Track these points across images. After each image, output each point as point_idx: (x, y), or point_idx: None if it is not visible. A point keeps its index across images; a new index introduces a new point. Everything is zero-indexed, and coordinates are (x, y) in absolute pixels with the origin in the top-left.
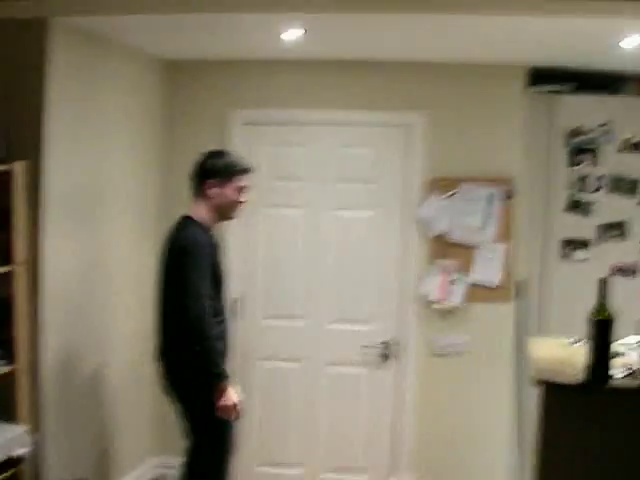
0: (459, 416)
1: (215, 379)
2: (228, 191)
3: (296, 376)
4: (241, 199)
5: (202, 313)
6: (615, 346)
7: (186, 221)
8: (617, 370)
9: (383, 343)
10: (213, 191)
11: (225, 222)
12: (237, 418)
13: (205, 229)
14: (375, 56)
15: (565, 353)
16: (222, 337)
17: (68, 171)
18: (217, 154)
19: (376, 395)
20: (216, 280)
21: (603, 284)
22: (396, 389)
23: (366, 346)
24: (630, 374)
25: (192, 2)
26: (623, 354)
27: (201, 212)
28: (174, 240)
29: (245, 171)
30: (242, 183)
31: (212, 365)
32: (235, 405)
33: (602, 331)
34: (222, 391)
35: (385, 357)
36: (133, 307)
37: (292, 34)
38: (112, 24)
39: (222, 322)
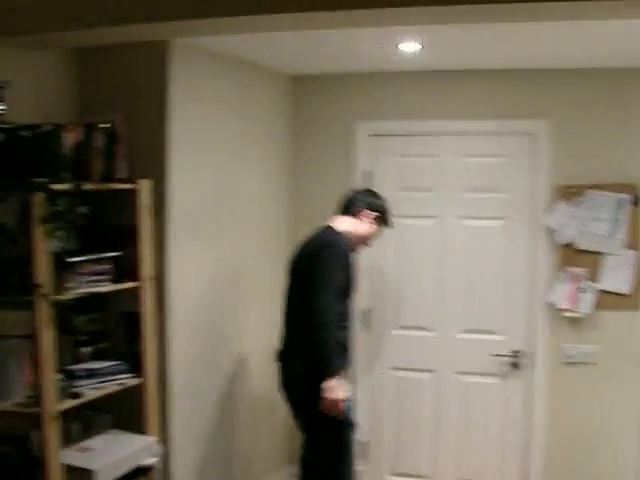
0: (590, 425)
1: (327, 370)
2: (371, 227)
3: (426, 386)
4: (369, 242)
5: (328, 303)
6: None
7: (330, 229)
8: None
9: (513, 352)
10: (366, 220)
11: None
12: (340, 416)
13: (347, 242)
14: (498, 64)
15: None
16: (343, 343)
17: (193, 188)
18: (383, 199)
19: (506, 404)
20: (346, 288)
21: None
22: (526, 398)
23: (496, 355)
24: None
25: (311, 19)
26: None
27: (344, 227)
28: (314, 240)
29: (389, 221)
30: (382, 230)
31: (325, 356)
32: (339, 401)
33: None
34: (331, 384)
35: (515, 366)
36: (261, 320)
37: (409, 46)
38: (234, 42)
39: (345, 328)
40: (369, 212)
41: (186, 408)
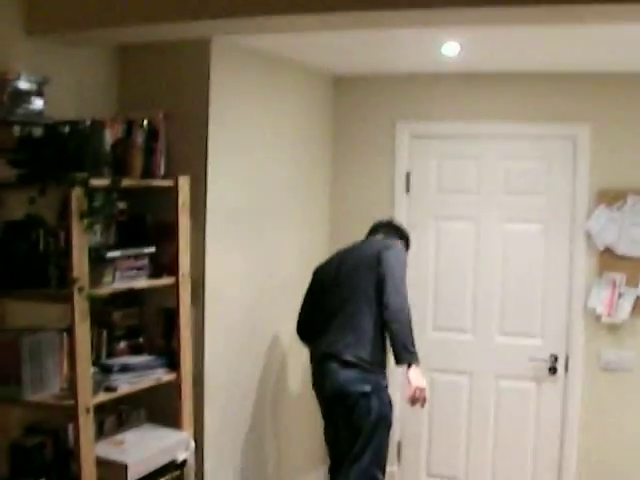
0: (625, 431)
1: (412, 357)
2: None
3: (463, 388)
4: None
5: (406, 294)
6: None
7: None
8: None
9: (551, 356)
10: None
11: None
12: (423, 404)
13: None
14: (538, 68)
15: None
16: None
17: (231, 187)
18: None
19: (544, 409)
20: None
21: None
22: (564, 403)
23: (534, 359)
24: None
25: (353, 19)
26: None
27: None
28: (368, 246)
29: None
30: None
31: (410, 343)
32: (425, 389)
33: None
34: (417, 372)
35: (553, 371)
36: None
37: (450, 48)
38: (276, 42)
39: None
40: (399, 240)
41: (220, 405)
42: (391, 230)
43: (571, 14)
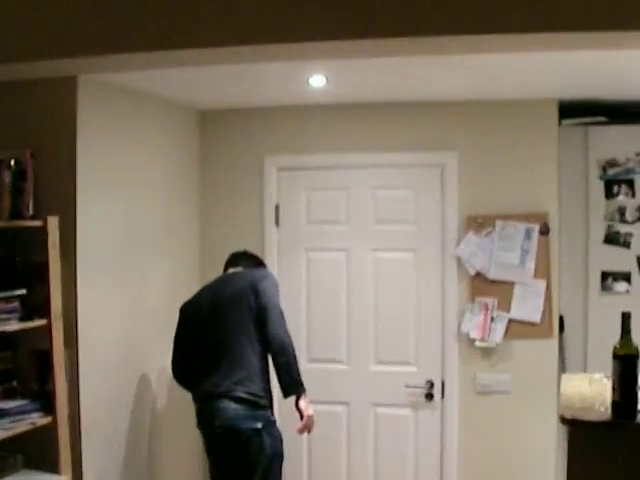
0: (504, 455)
1: (301, 388)
2: None
3: (341, 418)
4: None
5: (286, 330)
6: None
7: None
8: None
9: (427, 383)
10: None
11: None
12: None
13: None
14: (404, 97)
15: (592, 389)
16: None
17: (101, 224)
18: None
19: (422, 435)
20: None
21: (627, 318)
22: (442, 429)
23: (410, 386)
24: None
25: (216, 55)
26: None
27: None
28: (241, 278)
29: None
30: None
31: (297, 374)
32: (313, 416)
33: (627, 366)
34: (306, 401)
35: (430, 397)
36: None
37: (317, 80)
38: (142, 77)
39: None
40: None
41: (99, 446)
42: (251, 260)
43: (436, 45)
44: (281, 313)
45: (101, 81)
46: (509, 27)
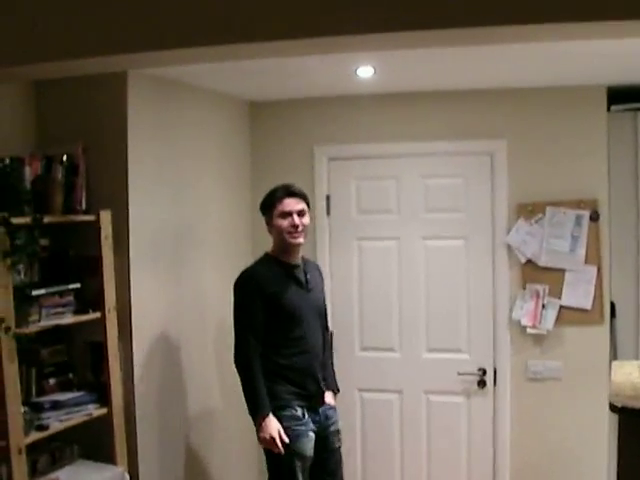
0: (556, 442)
1: (252, 412)
2: (276, 222)
3: (394, 406)
4: (291, 223)
5: (240, 347)
6: None
7: (261, 257)
8: None
9: (479, 370)
10: (269, 227)
11: (297, 249)
12: (279, 451)
13: (277, 262)
14: (452, 86)
15: None
16: (293, 368)
17: (153, 218)
18: (267, 193)
19: (475, 422)
20: (283, 311)
21: None
22: (494, 416)
23: (462, 374)
24: None
25: (265, 49)
26: None
27: (272, 247)
28: None
29: (281, 197)
30: (285, 208)
31: (249, 396)
32: (273, 438)
33: None
34: (260, 423)
35: (482, 384)
36: (225, 346)
37: (365, 71)
38: (191, 70)
39: (293, 355)
40: (265, 219)
41: (153, 437)
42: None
43: (484, 35)
44: (238, 327)
45: (150, 75)
46: (557, 17)
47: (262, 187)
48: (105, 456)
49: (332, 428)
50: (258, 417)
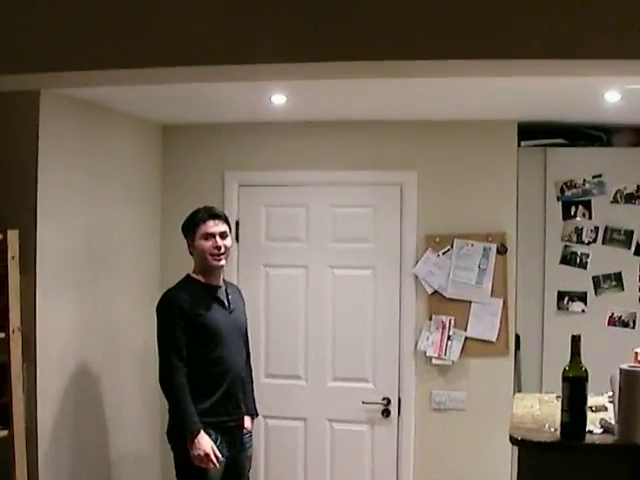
0: (459, 472)
1: (185, 429)
2: (198, 244)
3: (300, 434)
4: (213, 245)
5: (165, 368)
6: (597, 401)
7: (182, 279)
8: (594, 426)
9: (384, 399)
10: (190, 249)
11: (218, 271)
12: (213, 466)
13: (198, 283)
14: (364, 116)
15: (542, 410)
16: (213, 389)
17: (63, 237)
18: (190, 213)
19: (379, 451)
20: (205, 331)
21: (576, 341)
22: (398, 445)
23: (367, 402)
24: (606, 430)
25: (179, 74)
26: (606, 409)
27: (194, 268)
28: None
29: (205, 218)
30: (207, 230)
31: (179, 416)
32: (207, 454)
33: (576, 388)
34: (193, 440)
35: (386, 413)
36: (135, 370)
37: (278, 99)
38: (105, 93)
39: (213, 375)
40: (187, 241)
41: (56, 462)
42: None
43: (395, 69)
44: (161, 348)
45: (63, 95)
46: (470, 53)
47: (173, 211)
48: (5, 478)
49: (245, 453)
50: (190, 435)
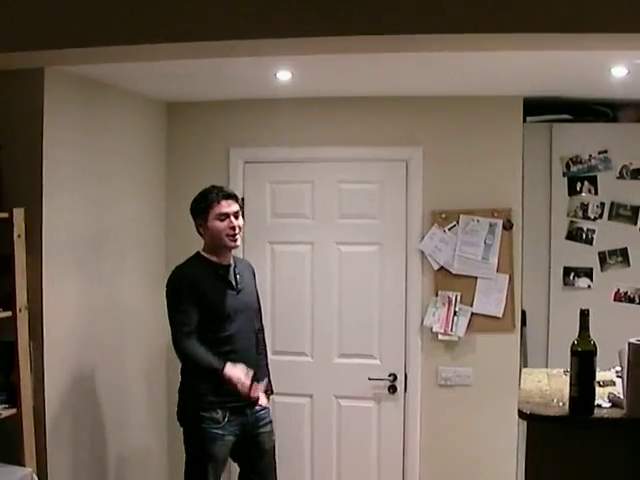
0: (466, 447)
1: (215, 371)
2: (212, 224)
3: (305, 410)
4: (229, 225)
5: (179, 346)
6: (604, 376)
7: (192, 256)
8: (602, 401)
9: (390, 376)
10: (201, 230)
11: (228, 251)
12: (248, 394)
13: (207, 262)
14: (369, 92)
15: (550, 385)
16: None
17: (69, 216)
18: (199, 193)
19: (385, 427)
20: (212, 311)
21: (585, 315)
22: (403, 421)
23: (373, 379)
24: (615, 404)
25: (183, 50)
26: (614, 383)
27: (204, 247)
28: None
29: (219, 199)
30: (222, 210)
31: (204, 371)
32: (242, 380)
33: (585, 362)
34: (226, 376)
35: (393, 389)
36: (141, 350)
37: (283, 75)
38: (109, 70)
39: (222, 354)
40: (198, 221)
41: (64, 439)
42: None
43: (403, 43)
44: (172, 321)
45: (68, 73)
46: (477, 27)
47: (178, 189)
48: (14, 457)
49: (263, 430)
50: (221, 371)
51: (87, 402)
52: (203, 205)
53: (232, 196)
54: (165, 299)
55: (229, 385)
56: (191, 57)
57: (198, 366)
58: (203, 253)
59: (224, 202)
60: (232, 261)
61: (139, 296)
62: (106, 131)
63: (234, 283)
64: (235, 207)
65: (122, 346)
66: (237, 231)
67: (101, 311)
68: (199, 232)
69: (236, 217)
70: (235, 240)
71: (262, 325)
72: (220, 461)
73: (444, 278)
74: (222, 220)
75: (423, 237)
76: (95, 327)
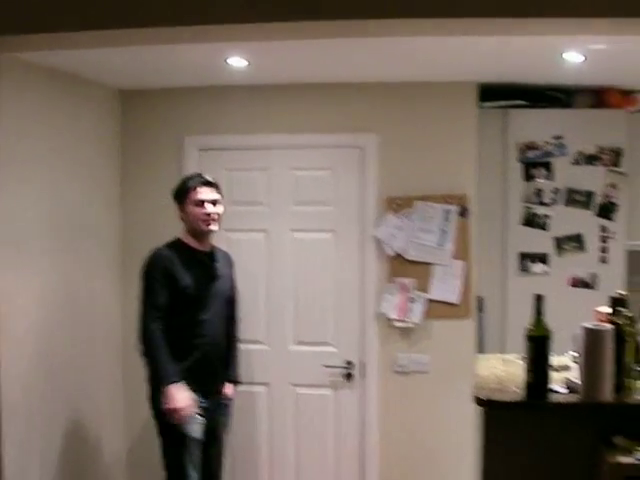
0: (423, 434)
1: (160, 381)
2: (190, 210)
3: (262, 398)
4: (204, 211)
5: (143, 325)
6: (560, 360)
7: (171, 240)
8: (557, 386)
9: (346, 363)
10: (181, 215)
11: (208, 236)
12: (183, 422)
13: (186, 247)
14: (324, 79)
15: (506, 370)
16: (192, 352)
17: (22, 205)
18: (181, 179)
19: (341, 415)
20: (186, 295)
21: (539, 300)
22: (360, 408)
23: (329, 366)
24: (571, 390)
25: (133, 36)
26: (569, 368)
27: (183, 233)
28: None
29: (195, 185)
30: (199, 197)
31: (153, 370)
32: (178, 409)
33: (539, 347)
34: (167, 394)
35: (349, 377)
36: (102, 340)
37: (237, 62)
38: (61, 57)
39: (193, 338)
40: (178, 206)
41: (18, 431)
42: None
43: (355, 28)
44: (141, 305)
45: (21, 60)
46: (428, 12)
47: (132, 177)
48: None
49: (221, 419)
50: (165, 386)
51: (43, 393)
52: (182, 191)
53: (211, 183)
54: (139, 280)
55: (165, 403)
56: (143, 44)
57: (152, 363)
58: (182, 238)
59: (201, 189)
60: (211, 249)
61: (95, 284)
62: (60, 119)
63: (211, 269)
64: (213, 195)
65: (82, 336)
66: (212, 217)
67: (52, 301)
68: (181, 217)
69: (213, 204)
70: (208, 225)
71: (238, 315)
72: (196, 440)
73: (399, 265)
74: (198, 206)
75: (378, 224)
76: (48, 317)
